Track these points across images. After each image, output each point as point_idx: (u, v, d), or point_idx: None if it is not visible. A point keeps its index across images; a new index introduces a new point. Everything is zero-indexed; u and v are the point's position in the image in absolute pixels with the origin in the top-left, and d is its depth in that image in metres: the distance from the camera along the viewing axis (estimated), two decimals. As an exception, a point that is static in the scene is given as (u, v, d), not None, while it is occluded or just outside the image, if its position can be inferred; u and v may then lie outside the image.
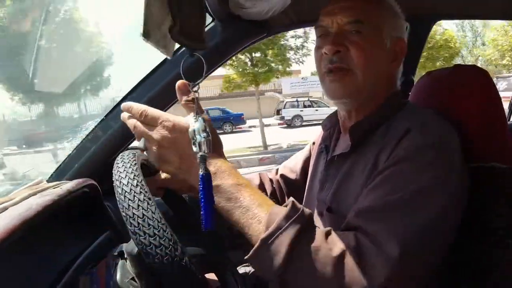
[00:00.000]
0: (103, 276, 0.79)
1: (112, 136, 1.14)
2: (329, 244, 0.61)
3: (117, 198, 0.68)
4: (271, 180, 1.17)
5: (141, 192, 0.67)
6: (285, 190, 1.14)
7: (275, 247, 0.60)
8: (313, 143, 1.10)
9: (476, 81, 0.84)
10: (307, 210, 0.64)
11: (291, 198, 0.66)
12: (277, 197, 1.14)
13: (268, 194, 1.13)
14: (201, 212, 0.67)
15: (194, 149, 0.67)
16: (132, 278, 0.74)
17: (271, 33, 1.24)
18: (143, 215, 0.64)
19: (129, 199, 0.66)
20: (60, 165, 1.16)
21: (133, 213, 0.64)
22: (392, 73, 0.86)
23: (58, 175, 1.15)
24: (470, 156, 0.78)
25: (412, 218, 0.63)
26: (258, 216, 0.63)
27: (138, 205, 0.65)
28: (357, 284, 0.58)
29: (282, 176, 1.15)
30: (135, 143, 0.74)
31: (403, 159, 0.68)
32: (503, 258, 0.73)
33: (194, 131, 0.73)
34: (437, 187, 0.66)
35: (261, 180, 1.16)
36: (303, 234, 0.61)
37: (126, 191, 0.67)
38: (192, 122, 0.72)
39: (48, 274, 0.79)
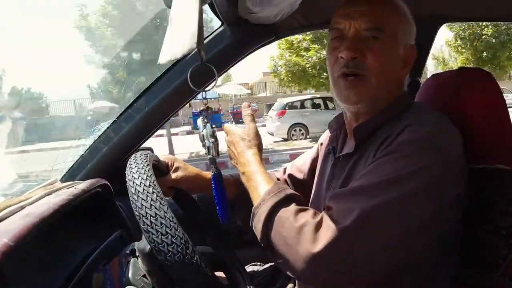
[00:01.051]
0: (116, 273, 0.82)
1: (123, 138, 1.16)
2: (297, 217, 0.71)
3: (131, 198, 0.70)
4: (278, 179, 1.18)
5: (153, 192, 0.69)
6: (292, 189, 1.15)
7: (258, 215, 0.75)
8: (321, 144, 1.11)
9: (480, 83, 0.84)
10: (289, 190, 0.77)
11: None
12: None
13: None
14: (217, 208, 0.81)
15: (204, 151, 0.86)
16: (144, 275, 0.76)
17: (279, 37, 1.25)
18: (156, 214, 0.66)
19: (142, 199, 0.68)
20: (73, 165, 1.18)
21: (146, 212, 0.66)
22: (401, 78, 0.86)
23: (70, 175, 1.17)
24: (475, 157, 0.79)
25: (373, 201, 0.66)
26: (260, 192, 0.79)
27: (151, 205, 0.67)
28: (305, 249, 0.66)
29: (289, 175, 1.17)
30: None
31: (391, 152, 0.71)
32: (507, 257, 0.73)
33: (203, 136, 0.81)
34: (413, 177, 0.67)
35: None
36: (278, 206, 0.73)
37: (139, 191, 0.69)
38: (201, 128, 0.81)
39: (62, 270, 0.81)
